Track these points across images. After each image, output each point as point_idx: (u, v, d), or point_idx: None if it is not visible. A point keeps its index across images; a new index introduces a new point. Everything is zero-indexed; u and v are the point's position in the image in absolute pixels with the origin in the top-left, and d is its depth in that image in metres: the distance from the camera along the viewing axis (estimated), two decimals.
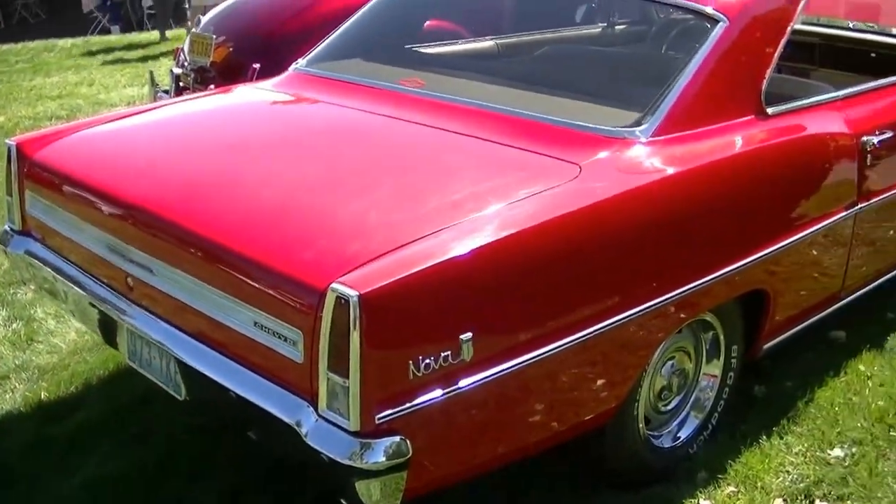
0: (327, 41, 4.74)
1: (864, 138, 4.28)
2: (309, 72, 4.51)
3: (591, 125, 3.59)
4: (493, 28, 4.97)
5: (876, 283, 4.80)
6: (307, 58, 4.64)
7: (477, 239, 2.92)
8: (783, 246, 3.87)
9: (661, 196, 3.41)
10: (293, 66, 4.62)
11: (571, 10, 5.04)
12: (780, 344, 4.22)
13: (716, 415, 4.01)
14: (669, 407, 3.89)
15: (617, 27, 5.28)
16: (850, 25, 6.19)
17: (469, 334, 2.83)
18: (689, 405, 3.96)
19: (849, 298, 4.62)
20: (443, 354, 2.81)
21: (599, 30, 5.29)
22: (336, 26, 4.86)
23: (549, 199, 3.15)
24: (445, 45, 4.90)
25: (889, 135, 4.39)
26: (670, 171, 3.48)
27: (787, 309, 4.15)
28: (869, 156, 4.30)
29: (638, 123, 3.58)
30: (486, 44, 4.98)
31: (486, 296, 2.94)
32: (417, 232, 2.92)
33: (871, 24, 6.16)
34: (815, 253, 4.19)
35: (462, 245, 2.89)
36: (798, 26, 5.59)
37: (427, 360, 2.78)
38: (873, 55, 5.78)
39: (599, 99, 3.90)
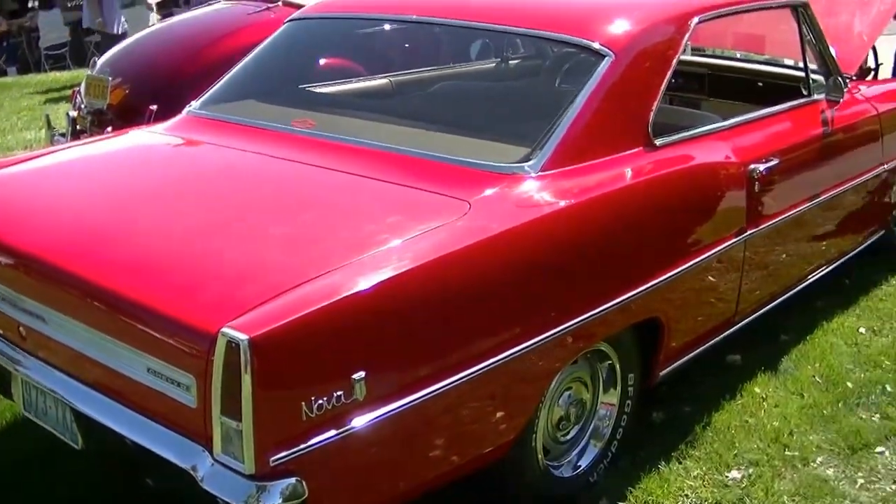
0: (220, 83, 4.73)
1: (752, 166, 4.38)
2: (201, 114, 4.50)
3: (480, 162, 3.64)
4: (388, 66, 5.01)
5: (769, 306, 4.90)
6: (200, 100, 4.63)
7: (367, 279, 2.93)
8: (675, 274, 3.95)
9: (550, 229, 3.47)
10: (186, 109, 4.61)
11: (465, 46, 5.09)
12: (676, 370, 4.28)
13: (615, 442, 4.06)
14: (568, 437, 3.93)
15: (509, 63, 5.34)
16: (738, 56, 6.34)
17: (362, 374, 2.85)
18: (587, 434, 4.00)
19: (743, 322, 4.71)
20: (335, 394, 2.82)
21: (492, 66, 5.35)
22: (233, 66, 4.85)
23: (438, 237, 3.18)
24: (339, 84, 4.93)
25: (775, 162, 4.51)
26: (559, 204, 3.54)
27: (682, 335, 4.22)
28: (757, 183, 4.40)
29: (527, 158, 3.63)
30: (380, 82, 5.02)
31: (377, 335, 2.96)
32: (307, 273, 2.93)
33: (757, 55, 6.32)
34: (707, 279, 4.27)
35: (352, 285, 2.90)
36: (687, 57, 5.76)
37: (320, 401, 2.80)
38: (760, 84, 5.91)
39: (489, 135, 3.95)
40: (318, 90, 4.80)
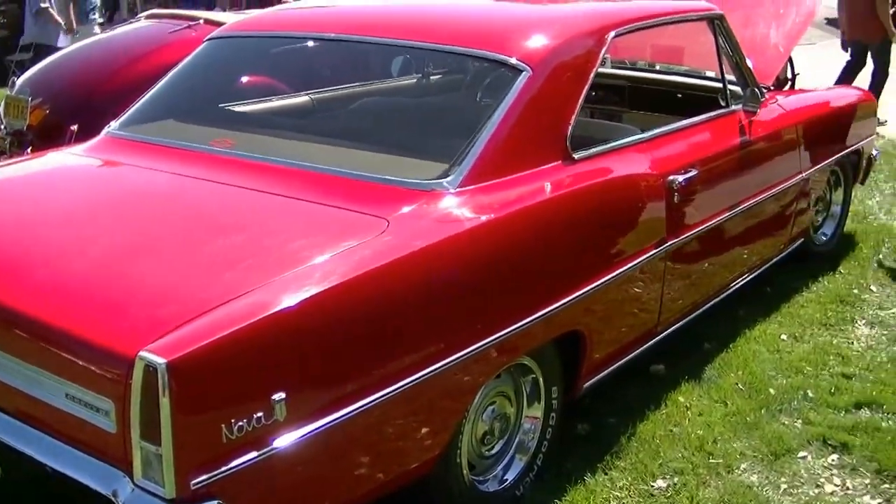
0: (139, 103, 4.69)
1: (671, 177, 4.43)
2: (121, 135, 4.45)
3: (399, 179, 3.64)
4: (308, 83, 4.98)
5: (692, 315, 4.95)
6: (119, 121, 4.58)
7: (285, 299, 2.93)
8: (595, 287, 3.98)
9: (469, 245, 3.48)
10: (105, 129, 4.56)
11: (386, 62, 5.09)
12: (600, 381, 4.31)
13: (540, 456, 4.08)
14: (493, 451, 3.94)
15: (428, 79, 5.34)
16: (658, 67, 6.41)
17: (282, 394, 2.84)
18: (513, 448, 4.01)
19: (666, 332, 4.76)
20: (255, 416, 2.81)
21: (412, 82, 5.34)
22: (154, 85, 4.81)
23: (356, 255, 3.18)
24: (259, 102, 4.90)
25: (694, 173, 4.56)
26: (478, 219, 3.55)
27: (605, 347, 4.25)
28: (676, 194, 4.45)
29: (445, 174, 3.65)
30: (300, 100, 5.00)
31: (297, 355, 2.96)
32: (225, 295, 2.91)
33: (676, 66, 6.40)
34: (628, 291, 4.31)
35: (270, 305, 2.90)
36: (607, 70, 5.82)
37: (240, 423, 2.78)
38: (679, 96, 5.99)
39: (409, 152, 3.97)
40: (237, 109, 4.78)
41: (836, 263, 6.54)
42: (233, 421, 2.77)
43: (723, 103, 5.31)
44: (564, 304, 3.81)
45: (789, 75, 7.39)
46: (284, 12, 5.25)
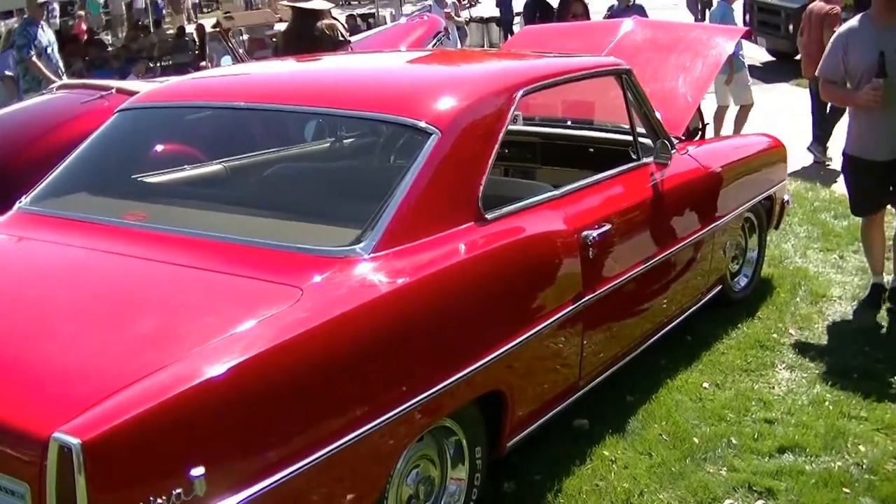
0: (51, 176, 4.62)
1: (584, 233, 4.47)
2: (32, 210, 4.39)
3: (311, 247, 3.64)
4: (219, 153, 4.94)
5: (614, 368, 4.98)
6: (31, 195, 4.51)
7: (200, 372, 2.91)
8: (514, 345, 4.00)
9: (384, 310, 3.48)
10: (17, 204, 4.49)
11: (298, 129, 5.07)
12: (524, 439, 4.30)
13: None
14: None
15: (340, 144, 5.32)
16: (570, 123, 6.48)
17: (201, 469, 2.80)
18: None
19: (588, 386, 4.78)
20: (174, 492, 2.78)
21: (323, 147, 5.31)
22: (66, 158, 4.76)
23: (270, 326, 3.17)
24: (171, 173, 4.86)
25: (607, 227, 4.61)
26: (392, 284, 3.55)
27: (527, 404, 4.26)
28: (590, 249, 4.49)
29: (358, 240, 3.65)
30: (213, 168, 4.96)
31: (215, 429, 2.93)
32: (139, 372, 2.89)
33: (588, 121, 6.47)
34: (548, 347, 4.33)
35: (185, 381, 2.88)
36: (519, 127, 5.88)
37: (159, 500, 2.74)
38: (591, 150, 6.05)
39: (321, 219, 3.97)
40: (149, 180, 4.74)
41: (754, 309, 6.61)
42: (151, 498, 2.74)
43: (634, 156, 5.37)
44: (483, 364, 3.82)
45: (700, 125, 7.49)
46: (195, 81, 5.25)
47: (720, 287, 6.32)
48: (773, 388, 5.47)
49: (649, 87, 6.14)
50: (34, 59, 11.07)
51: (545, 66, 4.93)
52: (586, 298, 4.51)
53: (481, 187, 4.05)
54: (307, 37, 8.09)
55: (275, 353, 3.10)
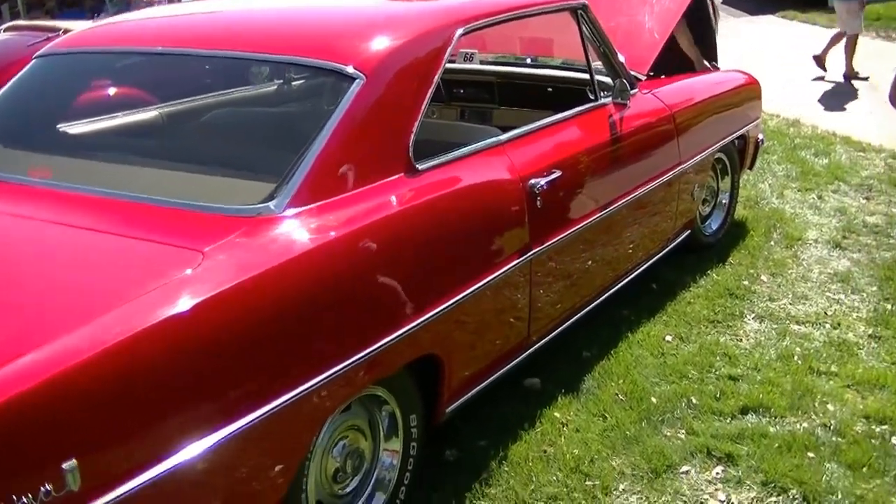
0: None
1: (531, 181, 4.17)
2: None
3: (218, 205, 3.32)
4: (135, 102, 4.58)
5: (569, 322, 4.69)
6: None
7: (71, 354, 2.59)
8: (449, 306, 3.70)
9: (295, 274, 3.16)
10: None
11: (214, 75, 4.67)
12: (466, 403, 4.02)
13: (403, 489, 3.78)
14: (348, 489, 3.63)
15: (259, 91, 4.92)
16: (528, 61, 6.13)
17: (73, 461, 2.50)
18: (371, 485, 3.71)
19: (540, 343, 4.49)
20: (43, 489, 2.47)
21: (241, 95, 4.89)
22: None
23: (161, 297, 2.84)
24: (85, 124, 4.49)
25: (557, 174, 4.30)
26: (306, 245, 3.24)
27: (468, 367, 3.98)
28: (538, 199, 4.18)
29: (271, 197, 3.33)
30: (125, 120, 4.55)
31: (90, 415, 2.62)
32: (8, 352, 2.56)
33: (548, 59, 6.13)
34: (490, 305, 4.04)
35: (54, 364, 2.56)
36: (475, 66, 5.54)
37: (24, 498, 2.44)
38: (550, 90, 5.71)
39: (234, 173, 3.65)
40: (61, 133, 4.39)
41: (725, 254, 6.32)
42: (16, 497, 2.43)
43: (591, 97, 5.04)
44: (412, 328, 3.53)
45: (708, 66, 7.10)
46: (118, 24, 4.87)
47: (689, 231, 6.01)
48: (741, 340, 5.18)
49: (614, 21, 5.81)
50: None
51: (489, 3, 4.56)
52: (534, 251, 4.22)
53: (412, 135, 3.72)
54: None
55: (165, 327, 2.79)
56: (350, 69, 3.66)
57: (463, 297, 3.78)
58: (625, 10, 6.15)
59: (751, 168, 7.02)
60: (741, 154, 6.66)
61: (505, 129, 4.42)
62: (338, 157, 3.50)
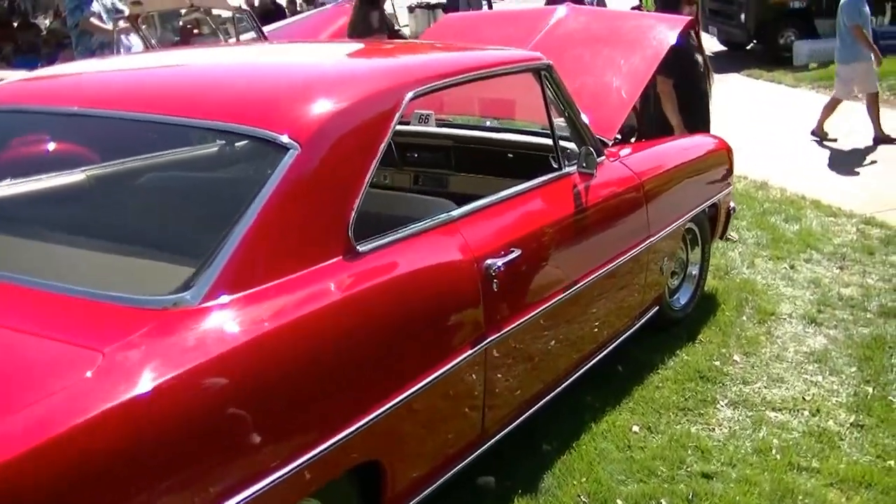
0: None
1: (487, 262, 3.76)
2: None
3: (126, 294, 2.87)
4: (46, 168, 4.00)
5: (528, 412, 4.25)
6: None
7: None
8: (394, 406, 3.27)
9: (213, 378, 2.74)
10: None
11: (136, 140, 4.02)
12: None
13: None
14: None
15: (187, 161, 4.21)
16: (488, 124, 5.73)
17: None
18: None
19: (495, 438, 4.05)
20: None
21: (168, 165, 4.14)
22: None
23: (50, 408, 2.40)
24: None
25: (516, 254, 3.89)
26: (227, 343, 2.81)
27: (413, 470, 3.57)
28: (495, 281, 3.76)
29: (187, 285, 2.89)
30: (33, 187, 4.00)
31: None
32: None
33: (509, 122, 5.73)
34: (439, 401, 3.62)
35: None
36: (430, 129, 5.12)
37: None
38: (511, 156, 5.30)
39: (147, 254, 3.23)
40: None
41: (695, 331, 5.91)
42: None
43: (555, 165, 4.63)
44: (350, 434, 3.09)
45: (635, 124, 6.77)
46: (33, 80, 4.40)
47: (657, 308, 5.59)
48: (713, 430, 4.76)
49: (579, 81, 5.42)
50: None
51: (444, 63, 4.17)
52: (490, 339, 3.80)
53: (353, 213, 3.30)
54: (365, 26, 8.96)
55: (53, 444, 2.35)
56: (283, 138, 3.24)
57: (408, 394, 3.37)
58: (591, 69, 5.78)
59: (721, 238, 6.65)
60: (712, 223, 6.27)
61: (461, 198, 4.05)
62: (267, 238, 3.07)
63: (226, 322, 2.86)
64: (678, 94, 7.04)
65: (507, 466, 4.32)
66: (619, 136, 5.63)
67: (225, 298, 2.90)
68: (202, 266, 2.95)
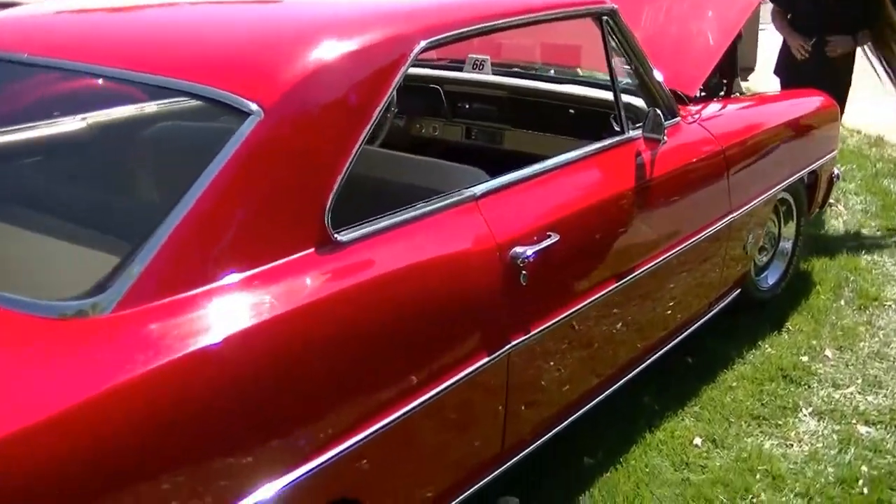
0: None
1: (515, 250, 3.05)
2: None
3: (13, 296, 2.27)
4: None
5: (556, 429, 3.57)
6: None
7: None
8: (378, 430, 2.65)
9: (114, 407, 2.10)
10: None
11: (79, 97, 3.25)
12: None
13: None
14: None
15: (127, 121, 3.39)
16: (552, 73, 4.99)
17: None
18: None
19: (520, 455, 3.39)
20: None
21: (102, 125, 3.37)
22: None
23: None
24: None
25: (553, 239, 3.18)
26: (136, 365, 2.16)
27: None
28: (523, 273, 3.06)
29: (99, 288, 2.25)
30: None
31: None
32: None
33: (574, 70, 4.99)
34: (445, 419, 3.01)
35: None
36: (484, 77, 4.46)
37: None
38: (572, 111, 4.57)
39: (60, 245, 2.60)
40: None
41: (782, 317, 5.16)
42: None
43: (616, 127, 3.90)
44: (319, 466, 2.45)
45: (719, 80, 5.95)
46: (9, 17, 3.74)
47: (738, 291, 4.84)
48: (791, 447, 4.05)
49: (658, 27, 4.67)
50: None
51: (473, 5, 3.43)
52: (513, 343, 3.14)
53: (332, 195, 2.64)
54: None
55: None
56: (241, 100, 2.57)
57: (394, 418, 2.73)
58: (672, 13, 4.98)
59: (821, 208, 5.85)
60: (810, 192, 5.46)
61: (515, 157, 3.49)
62: (210, 227, 2.43)
63: (145, 336, 2.23)
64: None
65: (537, 483, 3.66)
66: (703, 92, 4.84)
67: (148, 305, 2.26)
68: (123, 262, 2.32)
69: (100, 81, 2.96)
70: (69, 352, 2.18)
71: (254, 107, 2.56)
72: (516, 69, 4.99)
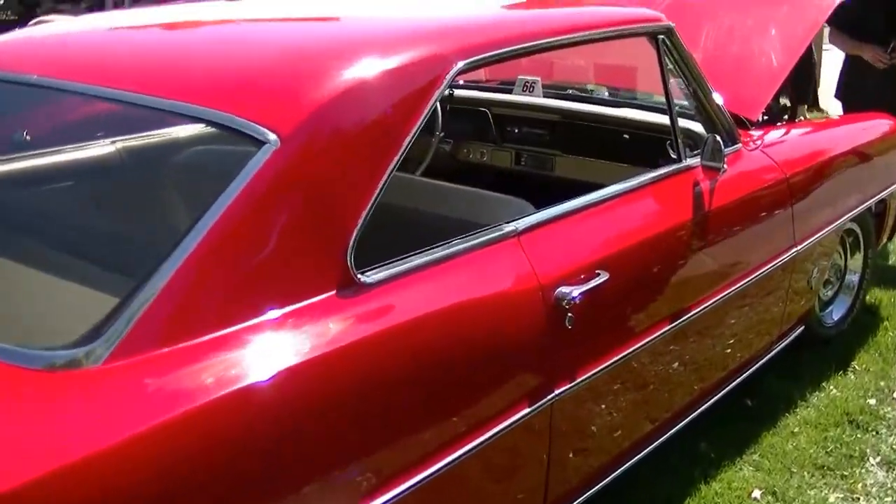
0: None
1: (560, 290, 2.79)
2: None
3: (11, 347, 2.03)
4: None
5: (604, 481, 3.30)
6: None
7: None
8: (413, 486, 2.39)
9: (129, 464, 1.89)
10: None
11: (86, 122, 3.04)
12: None
13: None
14: None
15: (134, 150, 3.17)
16: (606, 95, 4.73)
17: None
18: None
19: None
20: None
21: (115, 159, 3.16)
22: None
23: None
24: None
25: (602, 279, 2.92)
26: (128, 426, 1.94)
27: None
28: (569, 315, 2.80)
29: (94, 335, 2.02)
30: None
31: None
32: None
33: (629, 92, 4.72)
34: (482, 472, 2.77)
35: None
36: (533, 99, 4.24)
37: None
38: (626, 137, 4.30)
39: (57, 285, 2.36)
40: None
41: (849, 355, 4.85)
42: None
43: (673, 155, 3.63)
44: None
45: (786, 102, 5.66)
46: (13, 38, 3.53)
47: (801, 328, 4.54)
48: (857, 500, 3.75)
49: (719, 47, 4.40)
50: None
51: (517, 23, 3.19)
52: (557, 393, 2.86)
53: (356, 232, 2.38)
54: None
55: None
56: (257, 127, 2.33)
57: (428, 474, 2.47)
58: (734, 32, 4.70)
59: (889, 239, 5.51)
60: (879, 222, 5.15)
61: (565, 185, 3.34)
62: (219, 266, 2.20)
63: (141, 390, 1.99)
64: None
65: None
66: (765, 116, 4.54)
67: (148, 353, 2.03)
68: (121, 304, 2.09)
69: (102, 104, 2.73)
70: (57, 409, 1.95)
71: (270, 135, 2.32)
72: (569, 91, 4.72)
